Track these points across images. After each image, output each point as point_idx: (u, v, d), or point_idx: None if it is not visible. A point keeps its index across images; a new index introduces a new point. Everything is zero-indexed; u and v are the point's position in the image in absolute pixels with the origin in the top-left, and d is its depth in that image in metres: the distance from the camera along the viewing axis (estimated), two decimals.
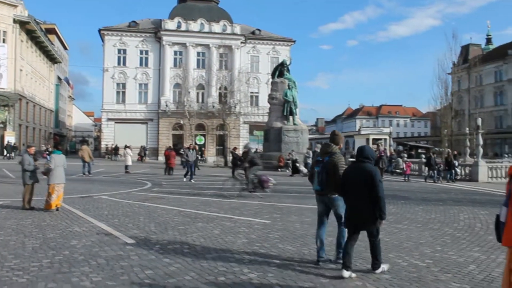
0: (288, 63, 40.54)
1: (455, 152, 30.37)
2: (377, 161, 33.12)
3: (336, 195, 6.76)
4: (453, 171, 26.22)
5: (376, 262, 6.41)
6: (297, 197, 16.31)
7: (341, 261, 6.41)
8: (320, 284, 5.83)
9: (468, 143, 34.30)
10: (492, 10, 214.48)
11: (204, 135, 54.16)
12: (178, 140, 53.91)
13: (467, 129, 37.16)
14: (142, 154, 48.29)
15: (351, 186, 6.33)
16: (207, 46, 57.32)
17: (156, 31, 56.03)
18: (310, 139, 43.75)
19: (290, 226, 9.99)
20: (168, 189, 18.41)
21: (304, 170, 29.52)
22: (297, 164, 30.02)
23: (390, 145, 47.53)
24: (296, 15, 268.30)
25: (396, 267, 6.68)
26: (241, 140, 54.79)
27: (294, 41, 61.99)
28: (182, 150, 28.84)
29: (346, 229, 6.58)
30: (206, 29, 57.33)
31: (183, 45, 56.74)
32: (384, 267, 6.44)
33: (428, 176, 26.25)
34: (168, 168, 28.48)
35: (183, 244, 7.97)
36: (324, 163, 6.83)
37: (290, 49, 61.31)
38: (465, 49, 76.80)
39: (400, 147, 61.52)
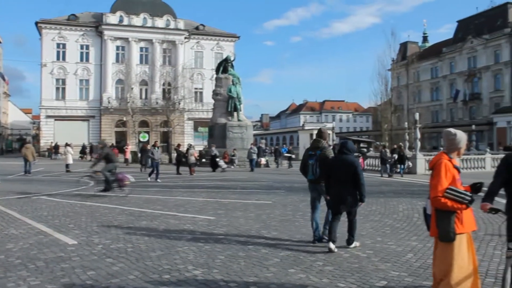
0: (232, 59, 40.59)
1: (395, 146, 31.38)
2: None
3: None
4: (404, 164, 26.94)
5: (351, 238, 7.64)
6: (242, 192, 16.40)
7: (326, 237, 7.78)
8: (265, 277, 5.89)
9: (407, 137, 35.54)
10: (427, 10, 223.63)
11: (148, 132, 53.29)
12: (121, 138, 52.83)
13: (406, 123, 38.52)
14: (84, 152, 46.98)
15: (336, 174, 7.44)
16: (150, 41, 56.39)
17: (97, 25, 54.55)
18: (255, 135, 44.00)
19: (235, 222, 10.03)
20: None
21: (224, 165, 30.20)
22: (217, 159, 30.28)
23: (333, 140, 48.51)
24: (240, 11, 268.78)
25: (339, 259, 6.85)
26: (186, 136, 54.42)
27: (238, 37, 62.07)
28: (149, 148, 27.49)
29: (331, 211, 7.84)
30: (149, 23, 56.40)
31: (126, 40, 55.57)
32: (356, 243, 7.64)
33: (383, 171, 26.79)
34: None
35: (126, 243, 7.84)
36: (317, 156, 7.98)
37: (234, 45, 61.37)
38: (404, 46, 79.65)
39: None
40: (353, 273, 6.09)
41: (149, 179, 21.78)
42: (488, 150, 36.30)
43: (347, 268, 6.33)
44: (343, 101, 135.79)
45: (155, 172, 22.12)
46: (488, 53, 66.68)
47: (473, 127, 55.03)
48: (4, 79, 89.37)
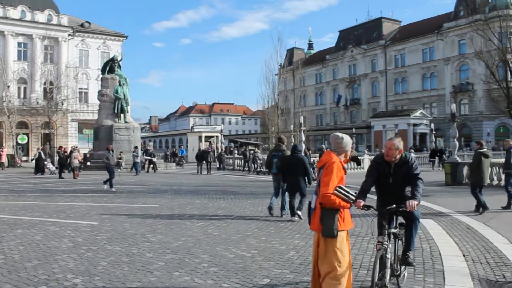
0: (119, 59, 39.40)
1: (256, 148, 33.01)
2: (202, 155, 34.13)
3: None
4: None
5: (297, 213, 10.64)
6: (128, 196, 16.03)
7: (285, 213, 11.11)
8: (149, 282, 5.83)
9: (292, 139, 36.87)
10: (312, 19, 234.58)
11: (27, 134, 49.93)
12: None
13: (292, 126, 39.98)
14: None
15: (291, 168, 10.59)
16: (29, 36, 52.83)
17: None
18: (143, 137, 43.11)
19: (119, 227, 9.77)
20: None
21: (52, 167, 29.88)
22: (45, 163, 30.23)
23: (221, 142, 49.00)
24: (129, 10, 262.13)
25: (223, 260, 6.94)
26: (70, 139, 51.71)
27: (126, 37, 60.41)
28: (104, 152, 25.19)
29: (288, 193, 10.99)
30: (29, 17, 52.81)
31: (1, 33, 51.54)
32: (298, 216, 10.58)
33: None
34: None
35: None
36: (279, 156, 11.28)
37: (122, 44, 59.59)
38: (290, 52, 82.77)
39: (232, 144, 63.85)
40: (238, 273, 6.21)
41: (105, 186, 18.65)
42: (366, 151, 38.83)
43: (231, 269, 6.45)
44: (232, 104, 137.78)
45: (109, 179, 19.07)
46: (366, 62, 71.76)
47: (354, 130, 58.72)
48: None
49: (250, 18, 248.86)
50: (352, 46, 73.80)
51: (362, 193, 5.09)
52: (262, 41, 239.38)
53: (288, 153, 11.12)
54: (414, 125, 59.98)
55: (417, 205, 4.90)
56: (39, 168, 29.53)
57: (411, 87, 66.69)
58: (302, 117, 30.78)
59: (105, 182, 18.81)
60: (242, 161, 32.80)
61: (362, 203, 4.78)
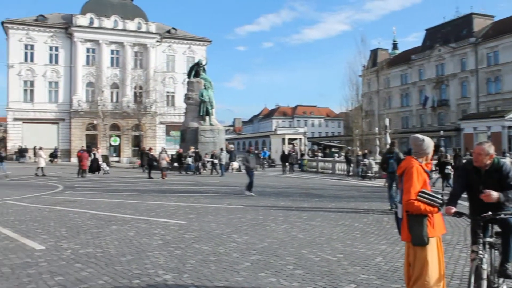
0: (204, 63, 40.49)
1: (366, 151, 31.79)
2: (287, 157, 34.22)
3: None
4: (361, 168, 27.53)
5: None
6: (214, 197, 16.37)
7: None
8: (235, 282, 5.90)
9: (377, 142, 35.98)
10: (396, 18, 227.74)
11: (119, 136, 52.68)
12: (91, 141, 51.93)
13: (377, 129, 39.01)
14: (54, 155, 46.16)
15: None
16: (121, 44, 55.80)
17: (66, 27, 53.68)
18: (227, 139, 43.94)
19: (206, 226, 10.00)
20: (81, 192, 17.76)
21: (106, 168, 31.33)
22: (100, 163, 31.34)
23: (305, 145, 48.89)
24: (212, 16, 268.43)
25: (309, 262, 6.89)
26: (158, 140, 53.91)
27: (210, 41, 61.98)
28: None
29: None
30: (120, 26, 55.81)
31: (96, 42, 54.83)
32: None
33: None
34: (81, 170, 27.45)
35: (96, 248, 7.74)
36: (394, 156, 12.78)
37: (206, 49, 61.26)
38: (374, 53, 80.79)
39: (315, 147, 63.41)
40: (323, 277, 6.13)
41: (246, 193, 17.11)
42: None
43: (317, 272, 6.38)
44: (315, 106, 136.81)
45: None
46: (455, 61, 68.32)
47: (442, 132, 56.18)
48: None
49: (331, 20, 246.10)
50: (440, 45, 70.60)
51: (453, 199, 4.82)
52: (344, 42, 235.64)
53: (402, 155, 12.25)
54: (510, 127, 56.28)
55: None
56: (93, 168, 31.20)
57: (506, 86, 62.53)
58: (387, 120, 29.94)
59: (248, 189, 17.08)
60: (345, 165, 30.92)
61: (453, 209, 4.54)
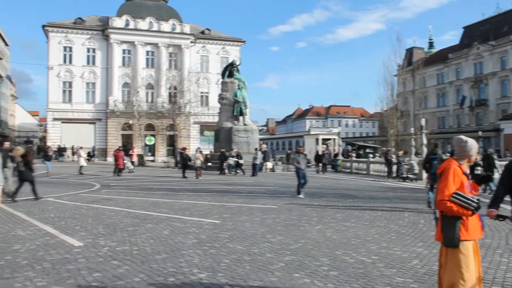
0: (237, 63, 40.65)
1: (401, 152, 31.24)
2: (320, 157, 34.06)
3: None
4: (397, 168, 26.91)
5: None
6: (248, 197, 16.39)
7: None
8: (270, 282, 5.90)
9: (413, 143, 35.33)
10: (432, 17, 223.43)
11: (154, 135, 53.43)
12: (127, 141, 52.88)
13: (412, 129, 38.30)
14: (91, 154, 47.19)
15: None
16: (156, 45, 56.57)
17: (103, 29, 54.79)
18: (260, 139, 43.99)
19: (240, 226, 10.03)
20: (117, 190, 18.08)
21: (131, 166, 31.46)
22: (125, 162, 30.81)
23: (339, 145, 48.49)
24: (246, 16, 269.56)
25: (343, 264, 6.83)
26: (192, 140, 54.45)
27: (243, 42, 62.16)
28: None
29: None
30: (155, 27, 56.58)
31: (132, 43, 55.77)
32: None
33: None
34: (117, 169, 27.97)
35: (132, 246, 7.87)
36: (437, 158, 12.78)
37: (240, 49, 61.46)
38: (409, 52, 79.47)
39: (349, 147, 62.80)
40: (358, 279, 6.06)
41: (301, 195, 16.43)
42: (495, 156, 35.96)
43: (352, 273, 6.31)
44: (349, 106, 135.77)
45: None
46: (495, 60, 66.38)
47: (480, 133, 54.71)
48: (11, 82, 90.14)
49: (366, 19, 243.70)
50: (478, 43, 68.79)
51: (495, 202, 4.66)
52: (379, 41, 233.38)
53: (445, 157, 12.00)
54: None
55: None
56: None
57: None
58: (423, 120, 29.30)
59: (298, 192, 16.45)
60: (385, 166, 29.49)
61: (495, 212, 4.41)
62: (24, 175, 14.44)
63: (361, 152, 54.05)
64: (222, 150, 31.57)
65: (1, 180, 11.56)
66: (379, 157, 43.95)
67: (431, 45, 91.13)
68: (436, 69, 77.19)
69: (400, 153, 28.98)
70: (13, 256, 7.07)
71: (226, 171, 30.90)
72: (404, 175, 26.07)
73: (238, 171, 30.78)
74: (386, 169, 28.95)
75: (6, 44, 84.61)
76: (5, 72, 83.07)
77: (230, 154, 31.00)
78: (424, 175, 26.51)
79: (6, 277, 6.01)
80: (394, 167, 27.57)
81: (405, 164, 26.75)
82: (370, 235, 9.15)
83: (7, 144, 14.94)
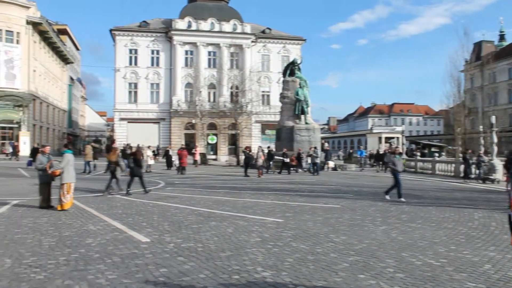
0: (299, 62, 40.46)
1: (469, 151, 30.04)
2: (381, 156, 33.39)
3: None
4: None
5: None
6: (310, 196, 16.29)
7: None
8: (334, 282, 5.83)
9: (482, 141, 33.88)
10: (502, 8, 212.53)
11: (216, 134, 54.21)
12: (190, 140, 53.99)
13: (481, 127, 36.76)
14: (155, 153, 48.52)
15: None
16: (217, 45, 57.40)
17: (166, 31, 56.22)
18: (322, 138, 43.61)
19: (303, 225, 9.98)
20: (181, 188, 18.46)
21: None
22: (173, 159, 32.42)
23: (403, 144, 47.15)
24: (306, 15, 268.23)
25: (410, 266, 6.64)
26: (253, 139, 54.78)
27: (304, 40, 61.84)
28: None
29: None
30: (217, 28, 57.41)
31: (194, 44, 56.87)
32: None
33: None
34: (181, 167, 28.58)
35: (196, 243, 8.01)
36: None
37: (301, 48, 61.18)
38: (478, 46, 76.00)
39: (413, 146, 61.07)
40: (426, 282, 5.88)
41: (402, 199, 15.15)
42: None
43: (419, 276, 6.13)
44: (413, 103, 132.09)
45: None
46: None
47: None
48: (81, 84, 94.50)
49: (429, 13, 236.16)
50: None
51: None
52: (444, 36, 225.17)
53: None
54: None
55: None
56: (169, 163, 33.69)
57: None
58: (493, 117, 27.94)
59: (386, 193, 15.74)
60: (463, 166, 26.98)
61: None
62: (135, 172, 16.26)
63: (426, 151, 52.45)
64: (300, 150, 31.64)
65: (73, 177, 12.08)
66: (445, 156, 42.41)
67: (502, 37, 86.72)
68: (508, 63, 73.38)
69: (481, 151, 27.72)
70: (86, 250, 7.40)
71: (300, 170, 30.93)
72: (484, 176, 24.80)
73: (305, 170, 30.62)
74: (454, 168, 27.80)
75: (77, 49, 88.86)
76: (76, 75, 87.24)
77: (309, 153, 30.79)
78: (498, 173, 25.45)
79: (80, 269, 6.29)
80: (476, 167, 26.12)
81: (485, 164, 25.46)
82: (438, 237, 8.85)
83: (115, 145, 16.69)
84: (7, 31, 48.96)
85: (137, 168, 16.39)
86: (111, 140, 21.58)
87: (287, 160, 30.40)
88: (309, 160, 30.04)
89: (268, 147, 36.24)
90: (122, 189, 16.05)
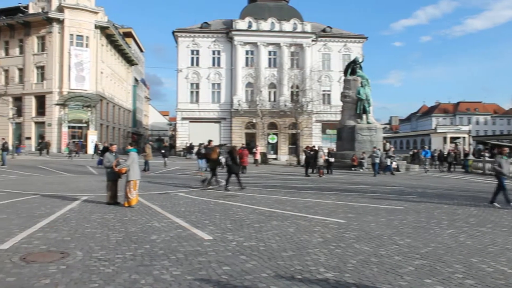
0: (360, 60, 39.83)
1: None
2: (446, 157, 32.17)
3: None
4: None
5: None
6: (372, 197, 15.98)
7: None
8: (399, 286, 5.69)
9: None
10: None
11: (276, 134, 54.32)
12: (251, 139, 54.38)
13: None
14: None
15: None
16: (278, 45, 57.45)
17: (227, 31, 56.86)
18: (384, 138, 42.68)
19: (366, 226, 9.80)
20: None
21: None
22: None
23: (469, 144, 45.37)
24: (367, 12, 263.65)
25: (480, 273, 6.38)
26: (314, 139, 54.44)
27: (366, 38, 60.70)
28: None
29: None
30: (277, 28, 57.46)
31: (254, 44, 57.20)
32: None
33: None
34: (242, 166, 28.80)
35: (258, 242, 8.04)
36: None
37: (362, 46, 60.14)
38: None
39: (481, 146, 58.60)
40: None
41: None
42: None
43: (491, 284, 5.86)
44: (480, 102, 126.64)
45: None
46: None
47: None
48: (145, 85, 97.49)
49: (498, 6, 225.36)
50: None
51: None
52: None
53: None
54: None
55: None
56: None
57: None
58: None
59: (491, 202, 14.19)
60: None
61: None
62: (232, 169, 17.60)
63: (495, 151, 50.15)
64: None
65: (138, 175, 12.44)
66: None
67: None
68: None
69: None
70: (151, 246, 7.61)
71: (361, 170, 30.47)
72: None
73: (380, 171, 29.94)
74: None
75: (141, 51, 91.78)
76: (140, 76, 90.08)
77: (387, 154, 30.29)
78: None
79: (146, 264, 6.48)
80: None
81: None
82: (511, 243, 8.43)
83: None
84: (77, 35, 51.58)
85: (234, 165, 17.58)
86: (208, 140, 22.69)
87: (332, 159, 29.97)
88: (376, 160, 29.18)
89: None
90: (220, 185, 18.13)
